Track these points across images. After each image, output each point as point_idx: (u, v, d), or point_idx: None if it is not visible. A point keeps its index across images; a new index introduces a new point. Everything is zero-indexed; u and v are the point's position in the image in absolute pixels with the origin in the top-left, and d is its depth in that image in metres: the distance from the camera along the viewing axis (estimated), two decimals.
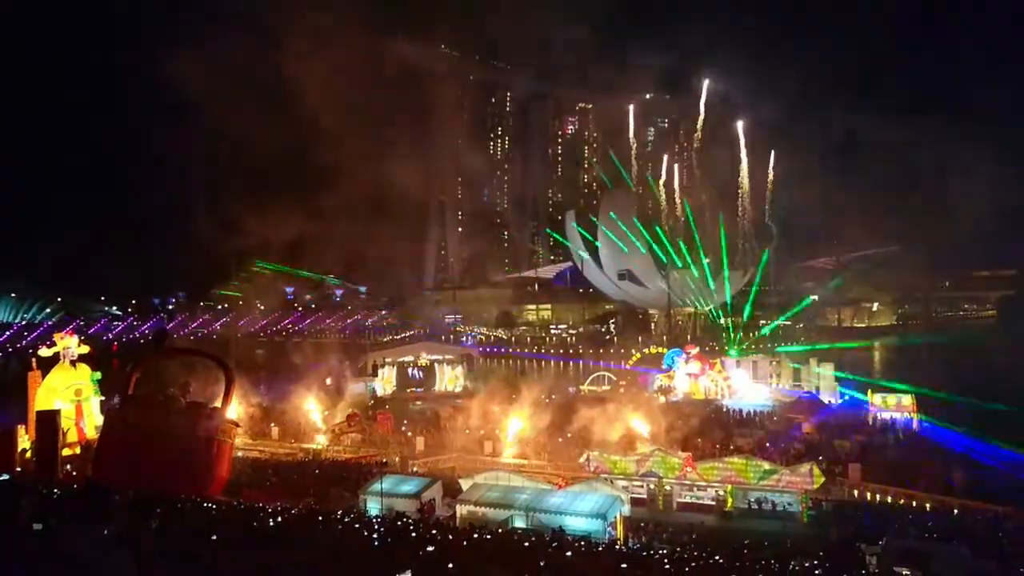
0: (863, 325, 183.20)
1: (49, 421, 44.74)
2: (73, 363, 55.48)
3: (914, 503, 39.88)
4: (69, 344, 56.08)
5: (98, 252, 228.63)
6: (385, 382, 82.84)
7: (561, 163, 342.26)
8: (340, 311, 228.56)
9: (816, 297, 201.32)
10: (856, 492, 42.29)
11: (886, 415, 61.95)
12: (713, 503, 40.55)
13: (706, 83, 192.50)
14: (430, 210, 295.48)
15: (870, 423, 61.66)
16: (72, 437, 50.91)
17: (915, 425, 60.59)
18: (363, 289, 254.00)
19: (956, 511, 37.91)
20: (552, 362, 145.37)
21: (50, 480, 36.52)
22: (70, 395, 53.15)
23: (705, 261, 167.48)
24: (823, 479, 39.36)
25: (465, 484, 38.60)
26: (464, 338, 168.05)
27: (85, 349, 57.79)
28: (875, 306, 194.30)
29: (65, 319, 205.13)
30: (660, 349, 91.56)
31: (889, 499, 40.90)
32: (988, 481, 41.28)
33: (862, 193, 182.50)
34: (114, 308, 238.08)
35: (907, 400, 62.48)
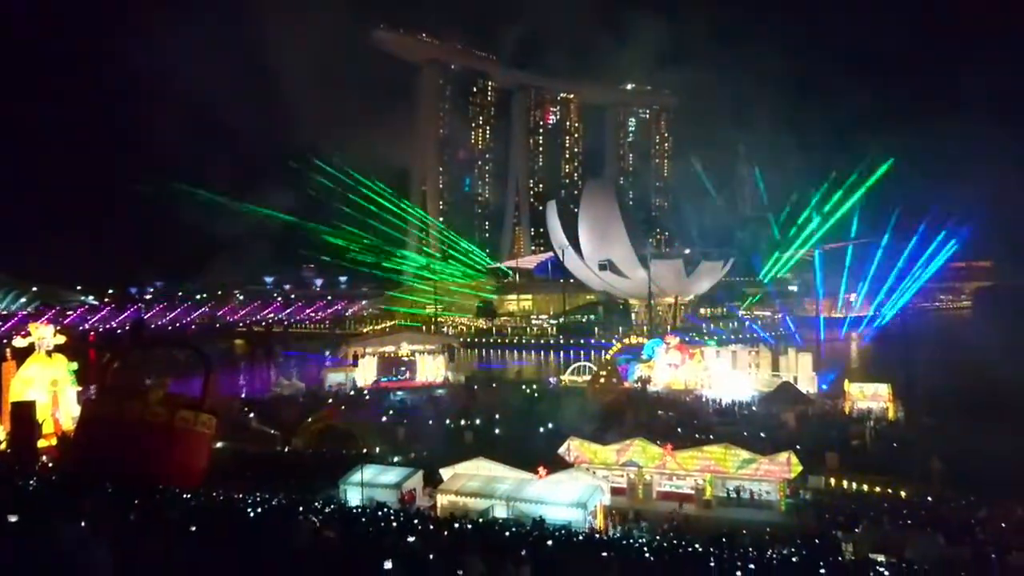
0: (841, 315, 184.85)
1: (24, 412, 44.18)
2: (49, 353, 54.74)
3: (889, 491, 40.40)
4: (44, 334, 55.30)
5: (74, 241, 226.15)
6: (366, 372, 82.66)
7: (543, 153, 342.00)
8: (320, 301, 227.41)
9: (796, 288, 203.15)
10: (833, 481, 42.76)
11: (863, 405, 62.71)
12: (692, 492, 40.85)
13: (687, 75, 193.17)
14: (411, 198, 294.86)
15: (847, 413, 62.41)
16: (48, 428, 50.31)
17: (891, 414, 61.39)
18: (343, 279, 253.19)
19: (930, 499, 38.45)
20: (533, 352, 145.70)
21: (26, 472, 36.09)
22: (46, 386, 52.47)
23: (685, 251, 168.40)
24: (800, 468, 39.74)
25: (446, 474, 38.62)
26: (445, 328, 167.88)
27: (61, 339, 57.01)
28: (853, 296, 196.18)
29: (41, 308, 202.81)
30: (641, 339, 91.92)
31: (865, 487, 41.41)
32: (962, 470, 41.87)
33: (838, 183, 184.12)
34: (90, 298, 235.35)
35: (883, 390, 63.25)
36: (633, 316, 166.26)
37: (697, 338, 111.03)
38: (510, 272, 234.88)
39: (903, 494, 39.71)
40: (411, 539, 23.27)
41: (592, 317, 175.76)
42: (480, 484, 36.60)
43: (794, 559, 26.75)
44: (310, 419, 60.03)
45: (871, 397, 63.22)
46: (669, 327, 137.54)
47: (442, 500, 36.48)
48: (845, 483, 42.33)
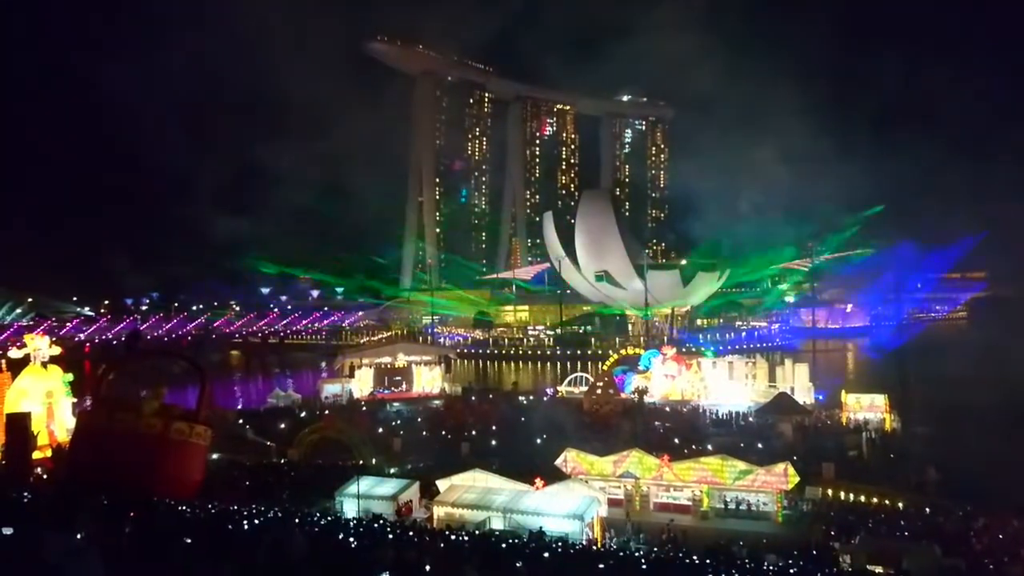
0: (837, 326, 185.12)
1: (19, 424, 43.98)
2: (44, 365, 54.62)
3: (887, 502, 40.34)
4: (40, 345, 55.20)
5: (70, 252, 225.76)
6: (362, 383, 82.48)
7: (539, 163, 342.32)
8: (316, 312, 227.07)
9: (793, 299, 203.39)
10: (830, 492, 42.70)
11: (860, 416, 62.65)
12: (689, 503, 40.75)
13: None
14: (408, 209, 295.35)
15: (844, 423, 62.36)
16: (43, 440, 50.15)
17: (888, 425, 61.36)
18: (340, 290, 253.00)
19: (928, 510, 38.39)
20: (530, 363, 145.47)
21: (20, 484, 35.92)
22: (41, 397, 52.31)
23: (681, 262, 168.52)
24: (797, 479, 39.68)
25: (442, 485, 38.49)
26: (442, 339, 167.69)
27: (56, 350, 56.90)
28: (849, 307, 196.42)
29: (36, 320, 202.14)
30: (637, 350, 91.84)
31: (862, 498, 41.34)
32: (959, 480, 41.87)
33: (836, 196, 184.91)
34: (86, 309, 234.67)
35: (880, 400, 63.23)
36: (630, 327, 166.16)
37: (693, 349, 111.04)
38: (507, 283, 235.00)
39: (900, 505, 39.67)
40: (407, 551, 23.18)
41: (589, 328, 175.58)
42: (477, 496, 36.48)
43: (791, 570, 26.69)
44: (306, 430, 59.82)
45: (868, 407, 63.18)
46: (665, 338, 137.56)
47: (439, 512, 36.37)
48: (842, 494, 42.27)
